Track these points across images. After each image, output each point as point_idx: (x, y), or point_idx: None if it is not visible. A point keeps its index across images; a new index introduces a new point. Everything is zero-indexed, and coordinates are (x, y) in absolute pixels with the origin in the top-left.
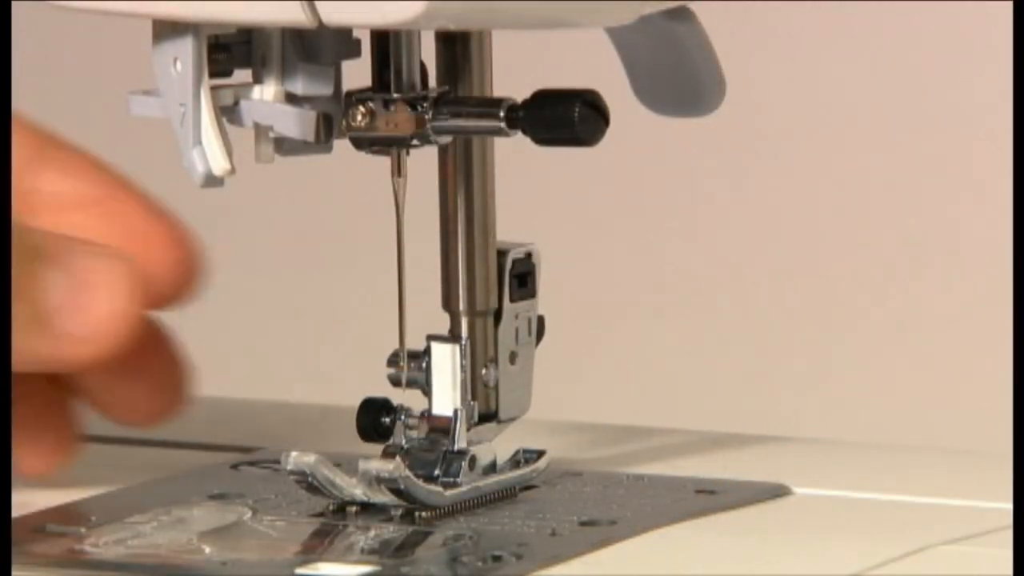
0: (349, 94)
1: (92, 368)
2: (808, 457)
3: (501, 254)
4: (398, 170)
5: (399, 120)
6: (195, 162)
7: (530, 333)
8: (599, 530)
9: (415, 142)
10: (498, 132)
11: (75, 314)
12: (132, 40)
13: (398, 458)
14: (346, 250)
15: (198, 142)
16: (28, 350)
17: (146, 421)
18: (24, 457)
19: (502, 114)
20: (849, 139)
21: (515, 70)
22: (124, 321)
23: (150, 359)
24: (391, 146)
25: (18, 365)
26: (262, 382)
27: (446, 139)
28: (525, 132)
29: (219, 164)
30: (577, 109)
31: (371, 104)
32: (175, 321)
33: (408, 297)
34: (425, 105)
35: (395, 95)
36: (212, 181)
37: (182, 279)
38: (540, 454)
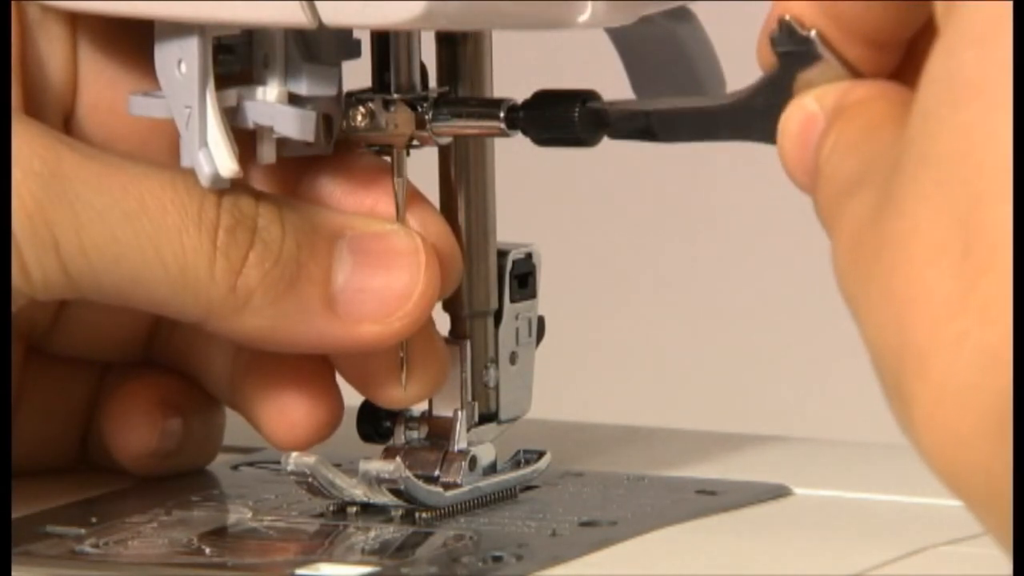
0: (349, 94)
1: (383, 349)
2: (808, 457)
3: (501, 254)
4: (398, 170)
5: (399, 120)
6: (202, 163)
7: (530, 334)
8: (599, 531)
9: (415, 142)
10: (498, 133)
11: (363, 294)
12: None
13: (398, 459)
14: None
15: (204, 144)
16: (318, 335)
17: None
18: (276, 429)
19: (502, 114)
20: None
21: (515, 70)
22: (419, 300)
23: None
24: (391, 146)
25: (312, 351)
26: None
27: (446, 140)
28: (525, 133)
29: (226, 165)
30: (577, 110)
31: (371, 104)
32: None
33: None
34: (425, 105)
35: (395, 95)
36: (219, 182)
37: (455, 276)
38: (540, 454)
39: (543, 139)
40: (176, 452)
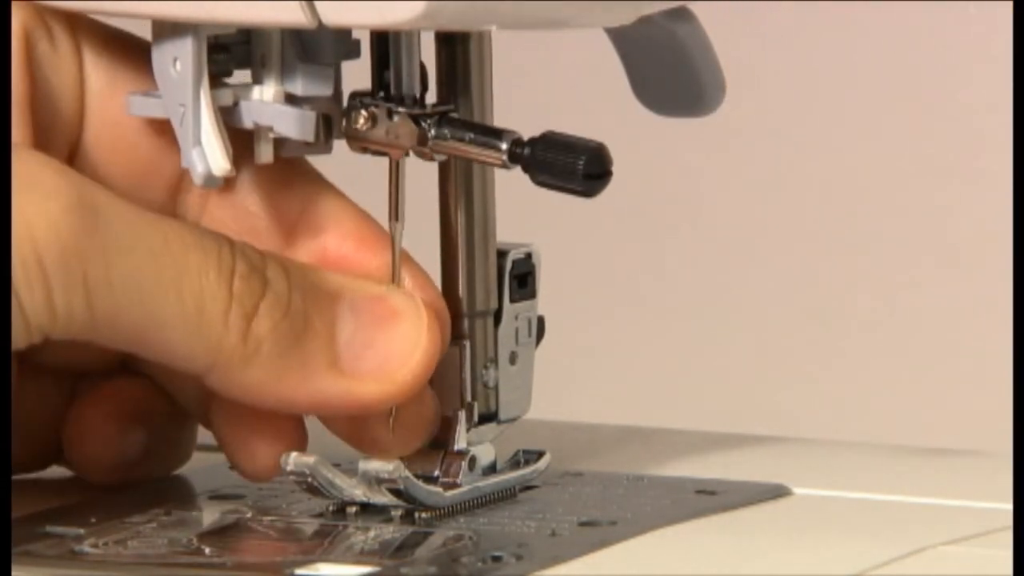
0: (354, 95)
1: (386, 408)
2: (808, 457)
3: (501, 254)
4: (398, 170)
5: (400, 133)
6: (195, 162)
7: (530, 334)
8: (599, 530)
9: (412, 154)
10: (499, 164)
11: (367, 351)
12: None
13: (398, 459)
14: None
15: (198, 142)
16: (320, 392)
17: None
18: (239, 457)
19: (504, 147)
20: (849, 139)
21: (515, 70)
22: (421, 359)
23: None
24: (389, 153)
25: (311, 409)
26: None
27: (442, 157)
28: (525, 170)
29: (219, 164)
30: (582, 162)
31: (375, 110)
32: None
33: None
34: (429, 122)
35: (401, 109)
36: (212, 181)
37: (445, 339)
38: (540, 454)
39: (541, 182)
40: (139, 461)
